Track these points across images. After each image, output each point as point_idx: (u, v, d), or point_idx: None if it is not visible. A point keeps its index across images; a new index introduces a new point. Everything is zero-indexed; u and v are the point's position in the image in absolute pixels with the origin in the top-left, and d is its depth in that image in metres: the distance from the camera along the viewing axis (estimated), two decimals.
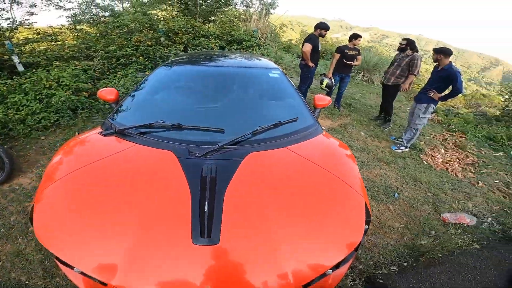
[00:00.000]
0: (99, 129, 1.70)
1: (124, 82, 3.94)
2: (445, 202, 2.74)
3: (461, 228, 2.38)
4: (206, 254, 1.11)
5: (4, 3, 5.07)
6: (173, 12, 6.96)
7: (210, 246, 1.13)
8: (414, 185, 2.94)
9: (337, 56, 4.21)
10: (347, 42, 4.35)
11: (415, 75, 3.74)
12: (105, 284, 1.07)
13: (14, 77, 3.83)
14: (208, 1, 7.85)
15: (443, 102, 3.68)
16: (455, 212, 2.58)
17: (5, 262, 1.86)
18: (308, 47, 3.91)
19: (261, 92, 2.23)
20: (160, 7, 6.56)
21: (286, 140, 1.64)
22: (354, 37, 4.20)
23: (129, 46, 5.00)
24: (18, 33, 5.18)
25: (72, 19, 6.22)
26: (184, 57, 2.65)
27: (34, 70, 4.06)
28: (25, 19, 5.08)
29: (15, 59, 4.06)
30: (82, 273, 1.11)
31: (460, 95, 3.73)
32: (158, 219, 1.19)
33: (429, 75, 3.46)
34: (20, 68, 4.12)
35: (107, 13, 6.49)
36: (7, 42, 4.24)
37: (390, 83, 3.93)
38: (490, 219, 2.57)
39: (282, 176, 1.44)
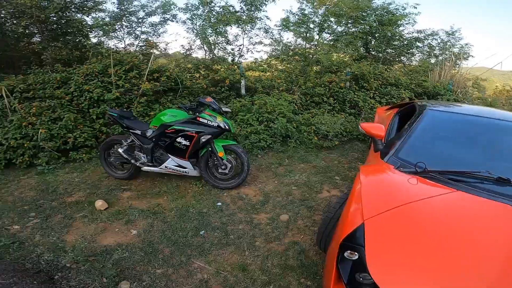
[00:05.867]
0: (384, 164, 1.73)
1: (324, 120, 4.20)
2: None
3: None
4: None
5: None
6: (354, 56, 7.15)
7: None
8: None
9: None
10: None
11: None
12: None
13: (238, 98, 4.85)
14: (389, 50, 7.63)
15: None
16: None
17: (229, 274, 1.79)
18: None
19: None
20: (344, 50, 6.87)
21: None
22: None
23: (321, 85, 5.39)
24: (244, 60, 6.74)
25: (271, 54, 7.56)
26: (445, 105, 2.53)
27: (251, 95, 5.03)
28: (252, 48, 6.59)
29: (242, 82, 5.15)
30: None
31: None
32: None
33: None
34: (243, 91, 5.18)
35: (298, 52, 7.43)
36: (240, 65, 5.50)
37: None
38: None
39: None
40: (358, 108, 5.18)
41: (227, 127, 2.70)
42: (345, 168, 3.41)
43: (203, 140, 2.62)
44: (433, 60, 8.01)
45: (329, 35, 7.74)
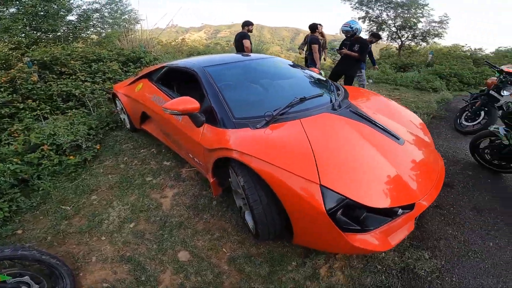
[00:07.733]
0: (240, 130, 1.71)
1: (54, 130, 2.88)
2: None
3: None
4: (405, 149, 1.73)
5: None
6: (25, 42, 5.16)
7: (402, 145, 1.74)
8: None
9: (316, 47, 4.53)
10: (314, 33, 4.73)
11: None
12: (412, 207, 1.42)
13: None
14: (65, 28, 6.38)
15: None
16: None
17: None
18: (249, 43, 4.50)
19: (295, 71, 2.71)
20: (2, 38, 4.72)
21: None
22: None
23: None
24: None
25: None
26: (205, 60, 2.58)
27: None
28: None
29: None
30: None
31: None
32: (375, 144, 1.65)
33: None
34: None
35: None
36: None
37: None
38: None
39: (374, 104, 2.29)
40: (77, 98, 4.06)
41: None
42: (140, 162, 2.79)
43: None
44: (110, 30, 7.83)
45: None
